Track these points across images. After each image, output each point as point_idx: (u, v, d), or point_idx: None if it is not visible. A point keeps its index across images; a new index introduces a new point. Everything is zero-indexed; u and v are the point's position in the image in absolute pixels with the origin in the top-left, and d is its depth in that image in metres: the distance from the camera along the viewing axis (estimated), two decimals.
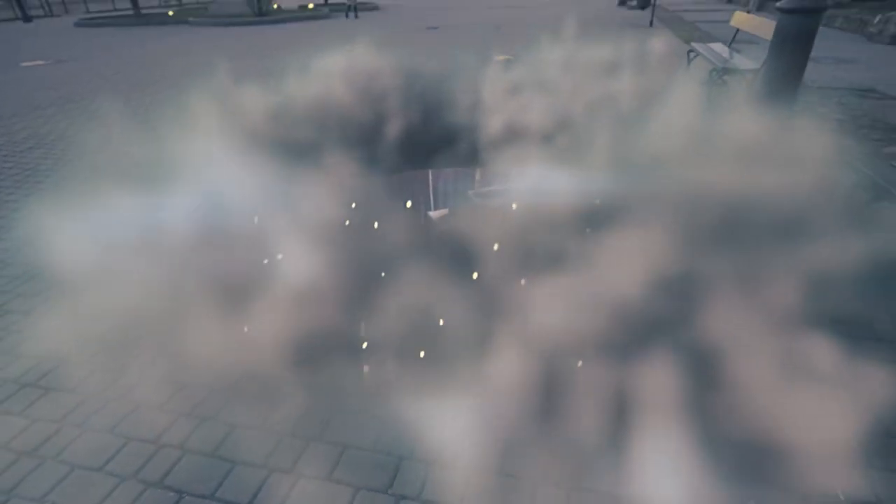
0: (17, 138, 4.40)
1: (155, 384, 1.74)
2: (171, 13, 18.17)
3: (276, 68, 7.22)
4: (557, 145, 2.78)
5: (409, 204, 2.90)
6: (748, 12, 4.40)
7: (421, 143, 3.39)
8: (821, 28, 11.49)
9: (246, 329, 1.83)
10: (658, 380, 1.56)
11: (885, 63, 6.55)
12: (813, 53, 7.40)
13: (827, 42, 8.48)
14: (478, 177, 3.45)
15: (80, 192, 3.13)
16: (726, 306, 1.73)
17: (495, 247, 2.06)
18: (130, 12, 17.81)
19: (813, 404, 1.49)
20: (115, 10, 21.02)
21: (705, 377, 1.59)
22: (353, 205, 2.27)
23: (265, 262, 2.01)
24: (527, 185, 2.39)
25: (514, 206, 2.41)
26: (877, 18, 8.34)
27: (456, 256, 1.99)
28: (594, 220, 2.05)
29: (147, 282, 1.96)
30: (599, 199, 2.17)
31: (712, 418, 1.50)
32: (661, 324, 1.69)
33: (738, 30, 5.24)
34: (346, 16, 16.47)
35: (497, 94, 3.67)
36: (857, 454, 1.41)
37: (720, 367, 1.61)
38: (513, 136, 3.40)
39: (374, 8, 19.97)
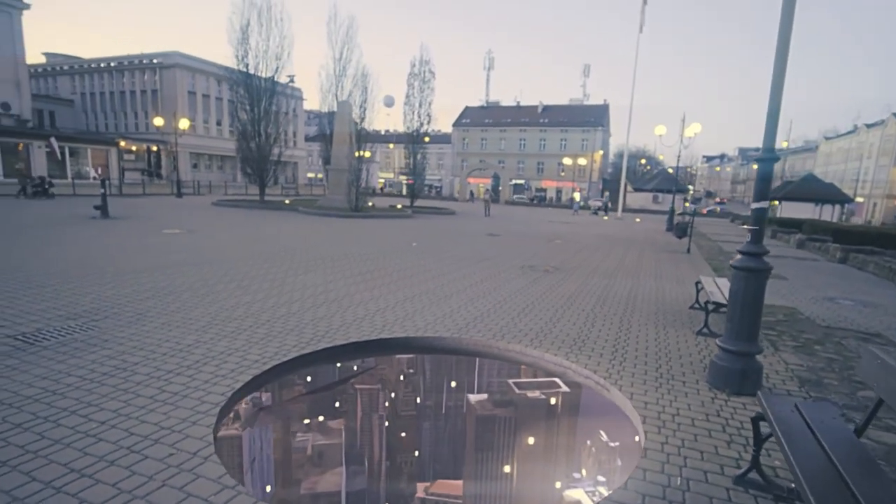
0: (140, 289, 5.78)
1: None
2: (287, 202, 22.43)
3: (362, 252, 8.79)
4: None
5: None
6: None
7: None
8: (853, 271, 11.93)
9: None
10: None
11: None
12: (833, 294, 7.85)
13: (856, 284, 8.86)
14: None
15: (164, 339, 4.13)
16: None
17: None
18: (257, 198, 22.25)
19: None
20: (246, 194, 26.28)
21: None
22: None
23: None
24: None
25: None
26: None
27: None
28: None
29: None
30: None
31: None
32: None
33: None
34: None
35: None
36: None
37: None
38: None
39: (451, 213, 23.55)
